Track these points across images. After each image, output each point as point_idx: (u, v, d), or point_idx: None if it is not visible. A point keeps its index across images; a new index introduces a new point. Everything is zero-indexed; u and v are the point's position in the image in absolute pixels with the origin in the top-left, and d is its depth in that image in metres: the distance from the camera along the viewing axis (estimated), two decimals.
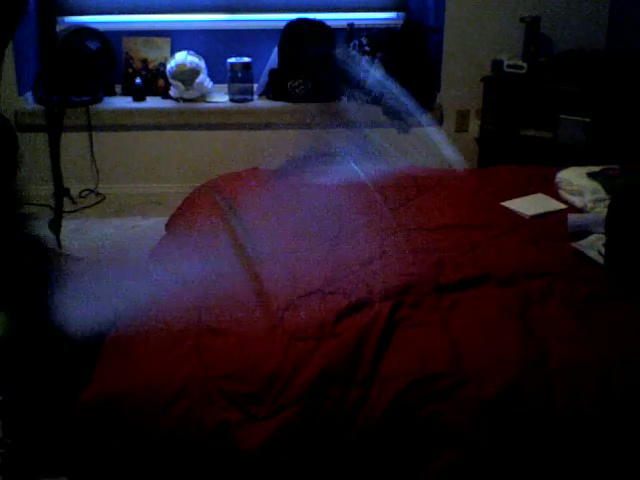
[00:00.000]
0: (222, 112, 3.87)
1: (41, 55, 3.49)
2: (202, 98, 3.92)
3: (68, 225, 3.58)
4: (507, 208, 2.41)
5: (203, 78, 3.87)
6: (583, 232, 2.13)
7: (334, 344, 1.58)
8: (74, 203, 3.80)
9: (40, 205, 3.64)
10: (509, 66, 3.57)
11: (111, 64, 3.96)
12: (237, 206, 2.21)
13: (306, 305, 1.74)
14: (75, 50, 3.78)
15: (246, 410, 1.49)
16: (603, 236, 2.00)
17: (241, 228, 1.74)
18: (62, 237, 3.42)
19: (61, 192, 3.65)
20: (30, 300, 0.70)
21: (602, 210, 2.15)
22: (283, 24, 3.85)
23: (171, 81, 3.87)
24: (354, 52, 3.85)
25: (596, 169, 2.55)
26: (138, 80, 3.92)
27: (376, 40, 3.82)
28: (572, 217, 2.21)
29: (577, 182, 2.48)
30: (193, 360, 1.57)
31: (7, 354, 0.70)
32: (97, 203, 3.88)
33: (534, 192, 2.53)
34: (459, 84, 3.90)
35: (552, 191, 2.54)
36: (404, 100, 3.82)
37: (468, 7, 3.78)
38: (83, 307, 0.74)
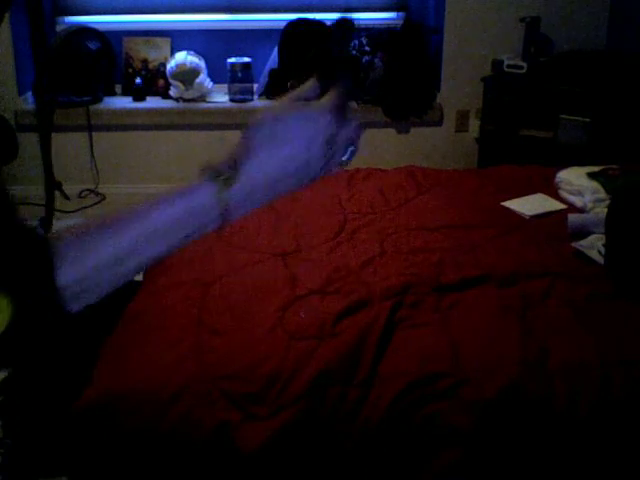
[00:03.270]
0: (222, 112, 3.87)
1: (33, 53, 3.48)
2: (202, 98, 3.91)
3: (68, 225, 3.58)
4: (507, 208, 2.41)
5: (203, 78, 3.87)
6: (583, 232, 2.13)
7: (334, 344, 1.58)
8: (67, 198, 3.77)
9: (40, 205, 3.64)
10: (509, 66, 3.56)
11: (111, 64, 3.96)
12: None
13: (306, 305, 1.74)
14: (75, 50, 3.77)
15: (246, 410, 1.49)
16: (603, 236, 1.99)
17: None
18: None
19: (52, 189, 3.65)
20: (32, 288, 0.69)
21: (602, 210, 2.15)
22: (283, 24, 3.84)
23: (171, 81, 3.87)
24: (354, 52, 3.84)
25: (596, 169, 2.54)
26: (138, 80, 3.92)
27: (376, 40, 3.82)
28: (572, 217, 2.21)
29: (577, 182, 2.48)
30: (193, 360, 1.57)
31: (10, 346, 0.69)
32: (97, 203, 3.87)
33: (534, 192, 2.53)
34: (459, 84, 3.90)
35: (552, 191, 2.54)
36: (404, 100, 3.82)
37: (468, 7, 3.77)
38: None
